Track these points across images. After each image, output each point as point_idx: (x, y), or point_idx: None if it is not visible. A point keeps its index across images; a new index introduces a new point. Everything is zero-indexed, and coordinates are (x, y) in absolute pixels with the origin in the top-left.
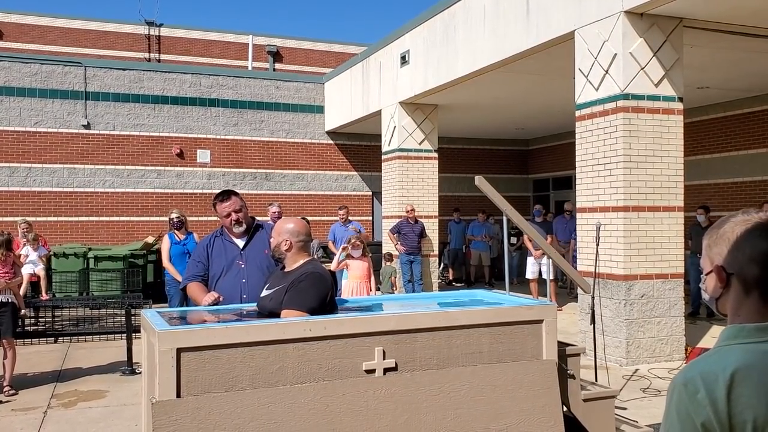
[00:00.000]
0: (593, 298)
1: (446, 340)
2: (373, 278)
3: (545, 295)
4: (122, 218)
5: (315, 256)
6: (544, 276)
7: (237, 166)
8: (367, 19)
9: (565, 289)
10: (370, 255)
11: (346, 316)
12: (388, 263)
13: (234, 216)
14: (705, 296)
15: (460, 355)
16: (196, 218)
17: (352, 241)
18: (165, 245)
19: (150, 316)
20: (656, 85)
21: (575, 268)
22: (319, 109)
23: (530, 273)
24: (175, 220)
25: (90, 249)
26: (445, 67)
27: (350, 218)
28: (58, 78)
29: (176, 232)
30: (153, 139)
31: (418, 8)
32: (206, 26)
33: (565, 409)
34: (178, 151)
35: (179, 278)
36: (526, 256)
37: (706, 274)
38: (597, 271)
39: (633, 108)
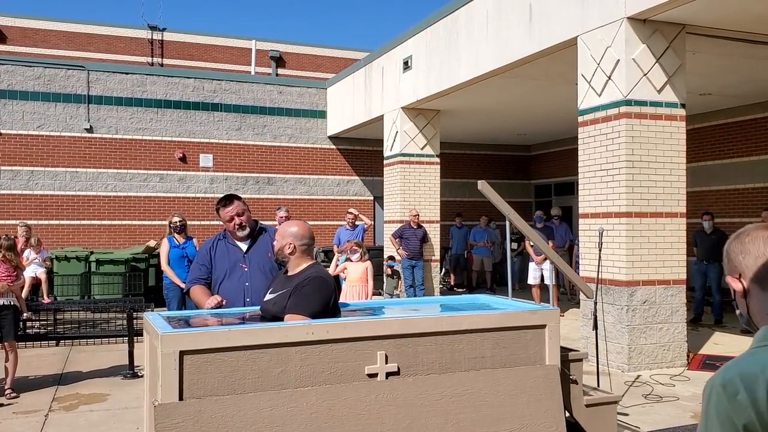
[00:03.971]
0: (596, 303)
1: (449, 344)
2: (371, 281)
3: (547, 301)
4: (124, 222)
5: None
6: (546, 281)
7: (239, 170)
8: (369, 24)
9: (566, 294)
10: (368, 257)
11: (349, 319)
12: (390, 276)
13: (237, 220)
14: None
15: (463, 359)
16: (198, 222)
17: (348, 246)
18: (164, 249)
19: (153, 318)
20: (659, 92)
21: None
22: (322, 114)
23: (532, 278)
24: (177, 224)
25: (92, 252)
26: (448, 72)
27: (356, 223)
28: (61, 81)
29: (176, 235)
30: (155, 143)
31: (421, 14)
32: (209, 31)
33: (567, 414)
34: (181, 155)
35: (177, 282)
36: (528, 262)
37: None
38: (599, 276)
39: (636, 114)
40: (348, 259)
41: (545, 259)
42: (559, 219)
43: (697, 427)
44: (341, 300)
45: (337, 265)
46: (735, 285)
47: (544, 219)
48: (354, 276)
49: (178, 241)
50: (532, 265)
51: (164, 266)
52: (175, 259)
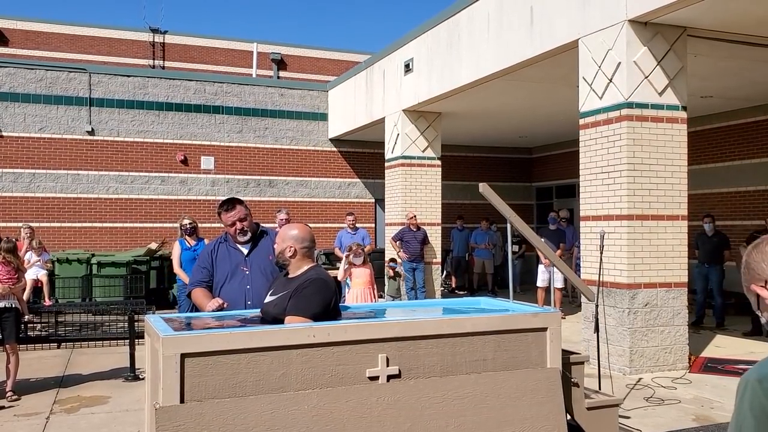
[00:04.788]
0: (597, 306)
1: (450, 347)
2: (375, 285)
3: (550, 304)
4: (126, 224)
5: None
6: (555, 284)
7: (241, 172)
8: (371, 27)
9: (567, 297)
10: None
11: (350, 322)
12: (392, 278)
13: (239, 225)
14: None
15: (464, 362)
16: (199, 225)
17: (353, 248)
18: (176, 251)
19: (154, 321)
20: (660, 94)
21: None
22: (323, 117)
23: (540, 281)
24: (187, 226)
25: (93, 255)
26: (449, 74)
27: (357, 225)
28: (63, 84)
29: (187, 238)
30: (157, 145)
31: (423, 16)
32: (211, 34)
33: (568, 417)
34: (182, 157)
35: None
36: (530, 265)
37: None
38: (601, 279)
39: (637, 116)
40: (352, 264)
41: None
42: (567, 222)
43: (706, 427)
44: (349, 303)
45: (345, 270)
46: (762, 292)
47: (558, 221)
48: (359, 280)
49: (189, 243)
50: (541, 268)
51: (176, 269)
52: (186, 262)
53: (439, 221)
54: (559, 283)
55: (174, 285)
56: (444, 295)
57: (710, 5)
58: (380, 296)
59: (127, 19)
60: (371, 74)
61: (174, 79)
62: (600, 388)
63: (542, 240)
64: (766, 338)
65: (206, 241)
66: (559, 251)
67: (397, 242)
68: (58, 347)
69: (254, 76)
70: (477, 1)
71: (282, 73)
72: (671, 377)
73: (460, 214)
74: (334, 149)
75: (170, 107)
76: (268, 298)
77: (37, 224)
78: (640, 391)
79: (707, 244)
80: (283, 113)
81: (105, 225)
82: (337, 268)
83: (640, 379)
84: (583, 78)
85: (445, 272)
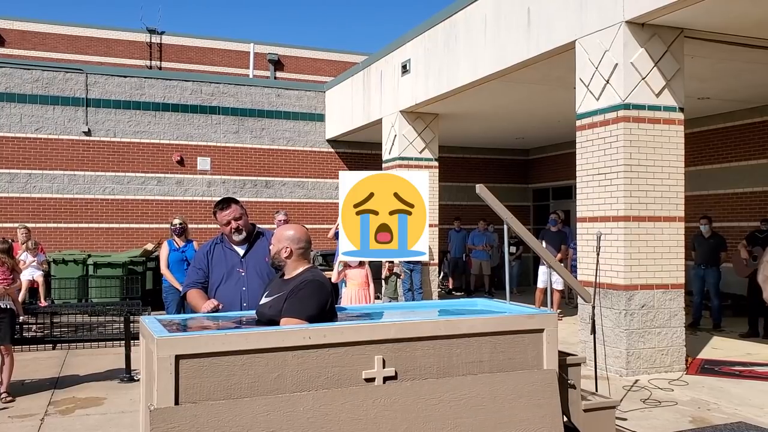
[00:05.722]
0: (594, 307)
1: (447, 348)
2: (372, 285)
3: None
4: (122, 225)
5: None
6: (554, 285)
7: (237, 173)
8: (368, 28)
9: (564, 299)
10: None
11: (346, 324)
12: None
13: (234, 224)
14: None
15: (461, 364)
16: (196, 225)
17: None
18: (164, 252)
19: (149, 322)
20: (657, 95)
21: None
22: (320, 118)
23: (541, 282)
24: (177, 226)
25: (89, 256)
26: (446, 76)
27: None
28: (60, 84)
29: (176, 238)
30: (153, 146)
31: (420, 17)
32: (208, 34)
33: (565, 419)
34: (179, 158)
35: (176, 285)
36: (527, 266)
37: None
38: (597, 280)
39: (634, 118)
40: (347, 265)
41: (559, 260)
42: (563, 223)
43: (703, 429)
44: (344, 304)
45: (339, 272)
46: None
47: (558, 222)
48: (355, 281)
49: (177, 244)
50: (542, 268)
51: (163, 269)
52: (174, 263)
53: (437, 222)
54: (557, 284)
55: None
56: (441, 297)
57: (708, 7)
58: (377, 297)
59: (124, 20)
60: (368, 75)
61: (171, 79)
62: (597, 390)
63: (542, 241)
64: (763, 340)
65: (195, 243)
66: (560, 254)
67: None
68: (54, 348)
69: (251, 76)
70: (474, 2)
71: (279, 74)
72: (668, 379)
73: (458, 216)
74: (331, 150)
75: (167, 108)
76: (264, 300)
77: (33, 225)
78: (636, 393)
79: (704, 246)
80: (280, 114)
81: (101, 226)
82: (333, 269)
83: (636, 380)
84: (580, 79)
85: (442, 273)
